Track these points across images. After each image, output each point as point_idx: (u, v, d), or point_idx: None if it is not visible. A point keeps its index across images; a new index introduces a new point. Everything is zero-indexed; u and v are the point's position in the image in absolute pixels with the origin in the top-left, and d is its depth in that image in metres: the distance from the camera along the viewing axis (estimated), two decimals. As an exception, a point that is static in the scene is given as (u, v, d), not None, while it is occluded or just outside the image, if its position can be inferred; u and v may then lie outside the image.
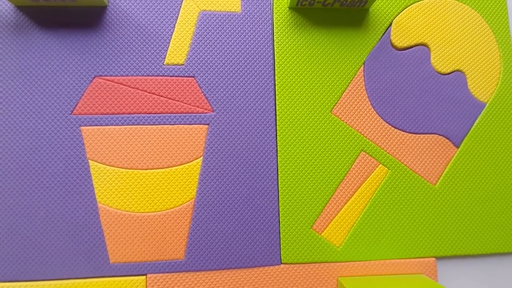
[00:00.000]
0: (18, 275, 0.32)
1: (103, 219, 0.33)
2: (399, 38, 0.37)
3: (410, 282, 0.32)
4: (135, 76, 0.35)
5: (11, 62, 0.33)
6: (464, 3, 0.38)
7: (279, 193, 0.35)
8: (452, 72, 0.38)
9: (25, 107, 0.33)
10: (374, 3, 0.37)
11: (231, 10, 0.36)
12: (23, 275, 0.32)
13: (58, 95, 0.34)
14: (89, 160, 0.34)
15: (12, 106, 0.33)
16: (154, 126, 0.34)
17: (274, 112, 0.36)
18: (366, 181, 0.36)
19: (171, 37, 0.35)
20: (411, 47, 0.37)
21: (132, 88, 0.34)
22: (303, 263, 0.34)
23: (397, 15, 0.38)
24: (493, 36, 0.38)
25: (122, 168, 0.34)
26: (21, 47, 0.34)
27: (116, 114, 0.34)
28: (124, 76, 0.34)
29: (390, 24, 0.37)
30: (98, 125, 0.34)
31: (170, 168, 0.34)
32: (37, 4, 0.34)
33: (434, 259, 0.35)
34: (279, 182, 0.35)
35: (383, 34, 0.37)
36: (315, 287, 0.34)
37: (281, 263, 0.34)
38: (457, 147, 0.37)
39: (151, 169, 0.34)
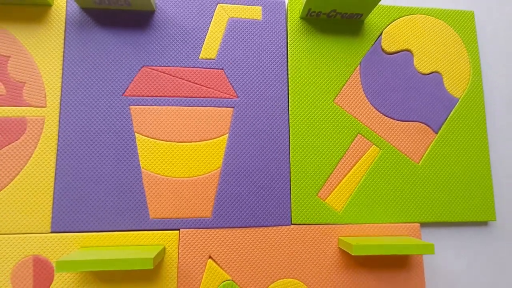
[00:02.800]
0: (71, 227, 0.38)
1: (145, 182, 0.40)
2: (388, 44, 0.46)
3: (399, 239, 0.39)
4: (175, 67, 0.42)
5: (77, 52, 0.41)
6: (440, 20, 0.47)
7: (291, 165, 0.42)
8: (431, 73, 0.46)
9: (86, 88, 0.41)
10: (368, 16, 0.46)
11: (254, 18, 0.45)
12: (75, 227, 0.38)
13: (113, 80, 0.41)
14: (136, 133, 0.41)
15: (76, 86, 0.41)
16: (189, 108, 0.42)
17: (287, 99, 0.44)
18: (361, 159, 0.43)
19: (205, 37, 0.43)
20: (398, 52, 0.46)
21: (173, 76, 0.42)
22: (310, 224, 0.41)
23: (386, 26, 0.46)
24: (464, 45, 0.47)
25: (162, 140, 0.41)
26: (85, 40, 0.41)
27: (158, 96, 0.42)
28: (166, 66, 0.42)
29: (381, 33, 0.46)
30: (144, 105, 0.41)
31: (201, 142, 0.41)
32: (98, 7, 0.42)
33: (418, 224, 0.42)
34: (290, 156, 0.42)
35: (375, 41, 0.46)
36: (319, 244, 0.41)
37: (291, 223, 0.41)
38: (436, 133, 0.45)
39: (186, 142, 0.41)
